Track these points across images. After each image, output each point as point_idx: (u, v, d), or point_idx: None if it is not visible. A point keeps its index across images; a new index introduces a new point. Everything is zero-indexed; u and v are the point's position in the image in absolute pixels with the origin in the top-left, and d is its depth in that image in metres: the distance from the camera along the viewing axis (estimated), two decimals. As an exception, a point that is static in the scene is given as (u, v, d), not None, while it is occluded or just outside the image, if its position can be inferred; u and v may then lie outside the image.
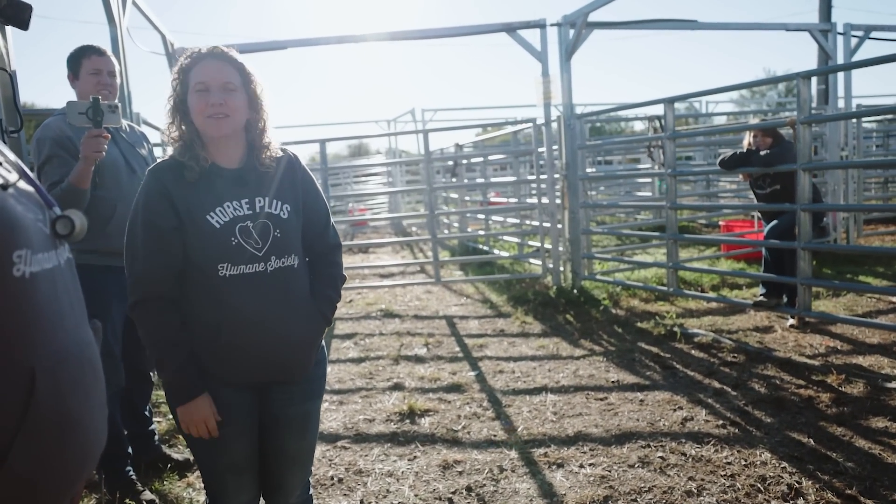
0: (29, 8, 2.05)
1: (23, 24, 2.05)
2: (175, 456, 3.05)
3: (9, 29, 2.08)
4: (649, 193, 11.08)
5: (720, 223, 8.88)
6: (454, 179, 9.56)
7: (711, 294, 5.80)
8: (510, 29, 6.05)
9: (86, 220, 0.91)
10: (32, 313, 0.78)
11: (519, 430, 3.26)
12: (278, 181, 1.70)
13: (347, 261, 9.79)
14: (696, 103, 16.04)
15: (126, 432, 2.88)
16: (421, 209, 11.50)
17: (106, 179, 2.54)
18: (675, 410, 3.37)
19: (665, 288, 5.58)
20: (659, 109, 6.23)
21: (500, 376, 4.12)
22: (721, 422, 3.19)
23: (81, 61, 2.61)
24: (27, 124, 2.48)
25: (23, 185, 0.88)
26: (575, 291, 6.03)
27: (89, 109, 2.29)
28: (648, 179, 11.19)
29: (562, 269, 6.43)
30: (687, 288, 5.97)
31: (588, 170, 9.33)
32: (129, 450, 2.84)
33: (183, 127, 1.61)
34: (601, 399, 3.62)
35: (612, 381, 3.89)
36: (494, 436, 3.22)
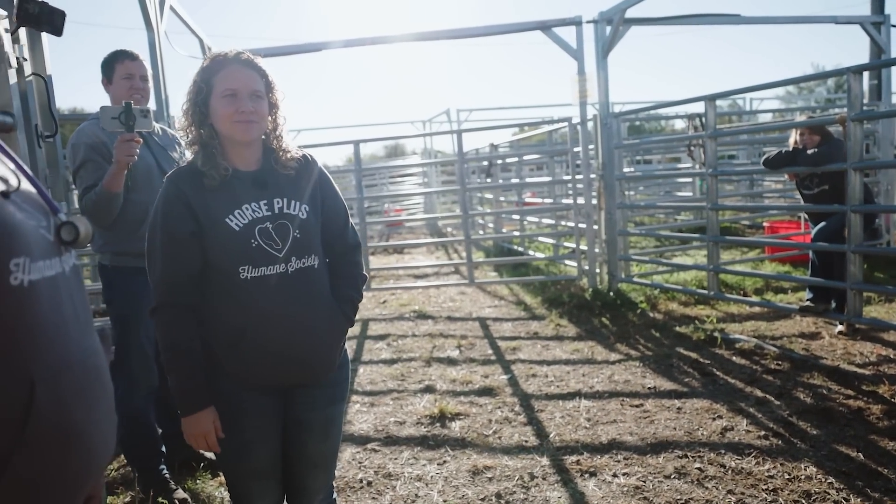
0: (62, 15, 2.10)
1: (57, 30, 2.10)
2: (208, 455, 3.08)
3: (45, 35, 2.12)
4: (690, 193, 10.80)
5: (764, 224, 8.59)
6: (489, 180, 9.49)
7: (754, 298, 5.59)
8: (545, 27, 5.96)
9: (90, 227, 0.90)
10: (32, 322, 0.77)
11: (551, 436, 3.19)
12: (296, 182, 1.69)
13: (382, 261, 9.83)
14: (739, 100, 15.59)
15: (160, 431, 2.92)
16: (456, 209, 11.47)
17: (139, 183, 2.58)
18: (714, 419, 3.25)
19: (705, 291, 5.41)
20: (699, 107, 6.05)
21: (532, 380, 4.05)
22: (763, 433, 3.06)
23: (115, 66, 2.66)
24: (62, 127, 2.53)
25: (26, 190, 0.87)
26: (611, 294, 5.90)
27: (122, 114, 2.33)
28: (689, 179, 10.91)
29: (598, 271, 6.30)
30: (728, 291, 5.77)
31: (626, 169, 9.14)
32: (163, 448, 2.88)
33: (202, 130, 1.61)
34: (637, 406, 3.52)
35: (649, 388, 3.78)
36: (526, 441, 3.16)
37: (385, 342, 5.18)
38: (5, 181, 0.82)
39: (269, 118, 1.67)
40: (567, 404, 3.61)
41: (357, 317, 1.86)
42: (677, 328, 4.91)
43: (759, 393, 3.56)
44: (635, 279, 6.22)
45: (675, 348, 4.46)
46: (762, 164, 4.94)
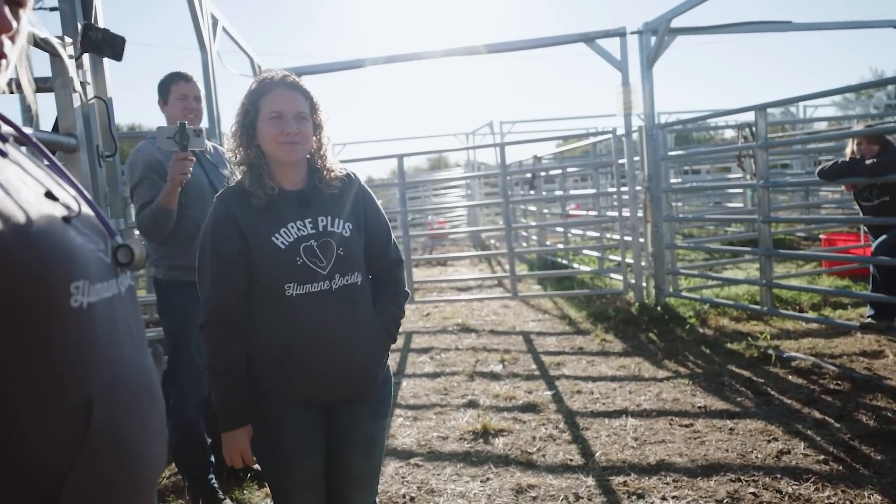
0: (122, 40, 2.20)
1: (117, 55, 2.20)
2: (255, 466, 3.13)
3: (105, 60, 2.23)
4: (741, 205, 10.48)
5: (821, 236, 8.25)
6: (532, 192, 9.44)
7: (811, 314, 5.37)
8: (588, 39, 5.91)
9: (144, 250, 0.93)
10: (90, 342, 0.80)
11: (597, 455, 3.12)
12: (340, 200, 1.72)
13: (425, 273, 9.87)
14: (792, 109, 15.09)
15: (209, 441, 2.98)
16: (500, 222, 11.43)
17: (191, 199, 2.67)
18: (769, 442, 3.12)
19: (758, 307, 5.22)
20: (749, 116, 5.89)
21: (577, 397, 3.98)
22: (822, 457, 2.91)
23: (170, 87, 2.77)
24: (120, 143, 2.64)
25: (86, 214, 0.90)
26: (658, 309, 5.76)
27: (176, 134, 2.42)
28: (740, 190, 10.59)
29: (644, 284, 6.17)
30: (783, 307, 5.55)
31: (673, 180, 8.95)
32: (212, 458, 2.94)
33: (249, 151, 1.65)
34: (686, 426, 3.41)
35: (699, 407, 3.66)
36: (571, 460, 3.10)
37: (428, 355, 5.19)
38: (68, 207, 0.85)
39: (314, 138, 1.71)
40: (613, 422, 3.53)
41: (400, 329, 1.86)
42: (729, 345, 4.75)
43: (817, 414, 3.41)
44: (684, 293, 6.06)
45: (726, 366, 4.32)
46: (817, 175, 4.76)
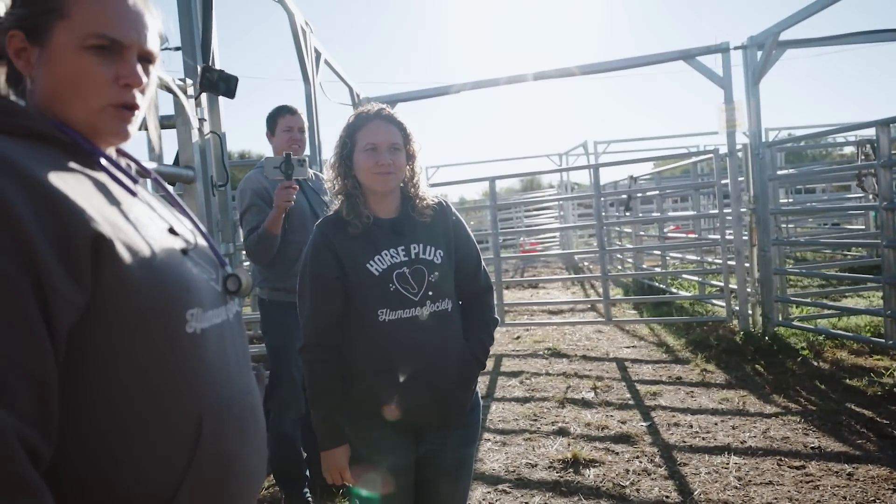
0: (236, 80, 2.40)
1: (231, 93, 2.40)
2: (347, 483, 3.23)
3: (220, 97, 2.44)
4: (862, 227, 9.65)
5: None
6: (628, 213, 9.18)
7: (947, 349, 4.82)
8: (688, 56, 5.72)
9: (251, 279, 1.01)
10: (201, 365, 0.88)
11: (695, 493, 2.96)
12: (431, 228, 1.77)
13: (516, 296, 9.81)
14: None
15: (305, 455, 3.11)
16: (594, 244, 11.19)
17: (294, 225, 2.83)
18: (894, 491, 2.82)
19: (882, 340, 4.76)
20: (870, 132, 5.44)
21: (675, 430, 3.79)
22: (961, 512, 2.60)
23: (277, 120, 2.97)
24: (230, 172, 2.86)
25: (201, 245, 1.00)
26: (766, 338, 5.39)
27: (282, 164, 2.58)
28: (862, 211, 9.76)
29: (750, 312, 5.80)
30: (912, 340, 5.02)
31: (782, 200, 8.40)
32: (307, 472, 3.06)
33: (346, 181, 1.74)
34: (797, 467, 3.15)
35: (812, 448, 3.38)
36: (667, 497, 2.95)
37: (518, 379, 5.14)
38: (186, 240, 0.95)
39: (407, 167, 1.78)
40: (714, 459, 3.33)
41: (490, 352, 1.88)
42: (847, 380, 4.36)
43: (954, 463, 3.04)
44: (795, 322, 5.64)
45: (844, 404, 3.96)
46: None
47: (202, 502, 0.86)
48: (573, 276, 10.29)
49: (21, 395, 0.70)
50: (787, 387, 4.38)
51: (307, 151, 3.20)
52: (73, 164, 0.86)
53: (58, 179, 0.78)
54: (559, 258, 13.83)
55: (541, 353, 6.00)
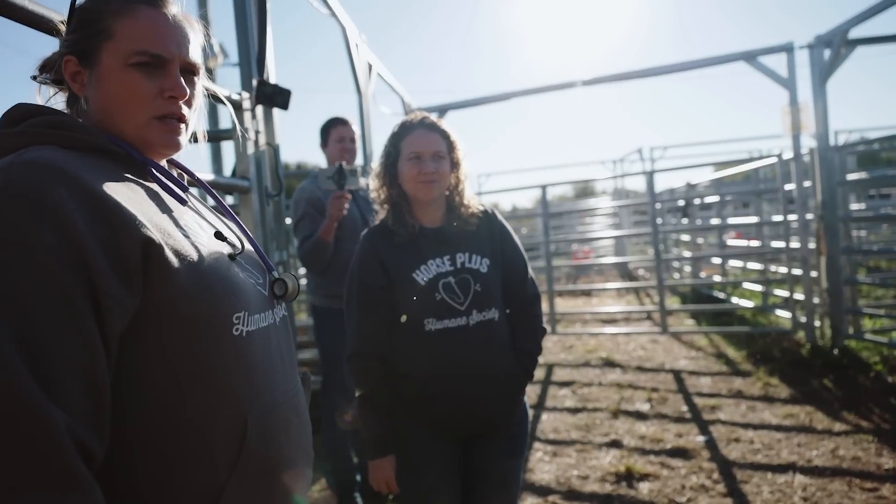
0: (289, 93, 2.46)
1: (284, 105, 2.47)
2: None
3: (274, 109, 2.51)
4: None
5: None
6: (685, 220, 8.90)
7: None
8: (750, 57, 5.52)
9: (297, 283, 1.03)
10: (247, 367, 0.90)
11: (757, 513, 2.82)
12: (477, 237, 1.76)
13: (568, 304, 9.66)
14: None
15: (356, 461, 3.15)
16: (649, 251, 10.91)
17: (346, 233, 2.88)
18: (980, 519, 2.62)
19: (966, 354, 4.44)
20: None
21: (734, 445, 3.64)
22: None
23: (330, 131, 3.04)
24: (285, 182, 2.94)
25: (248, 251, 1.02)
26: (835, 352, 5.11)
27: (335, 174, 2.64)
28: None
29: (817, 324, 5.52)
30: None
31: (853, 206, 7.96)
32: (357, 477, 3.10)
33: (392, 190, 1.75)
34: (870, 490, 2.97)
35: (886, 469, 3.18)
36: (726, 516, 2.83)
37: (570, 389, 5.05)
38: (233, 245, 0.98)
39: (452, 175, 1.77)
40: (777, 478, 3.17)
41: (541, 361, 1.85)
42: (926, 398, 4.09)
43: None
44: (867, 335, 5.33)
45: (922, 423, 3.71)
46: None
47: (248, 502, 0.88)
48: (628, 284, 10.05)
49: (74, 394, 0.72)
50: (858, 403, 4.14)
51: (359, 161, 3.26)
52: (126, 175, 0.90)
53: (111, 188, 0.82)
54: (613, 266, 13.55)
55: (593, 362, 5.88)
